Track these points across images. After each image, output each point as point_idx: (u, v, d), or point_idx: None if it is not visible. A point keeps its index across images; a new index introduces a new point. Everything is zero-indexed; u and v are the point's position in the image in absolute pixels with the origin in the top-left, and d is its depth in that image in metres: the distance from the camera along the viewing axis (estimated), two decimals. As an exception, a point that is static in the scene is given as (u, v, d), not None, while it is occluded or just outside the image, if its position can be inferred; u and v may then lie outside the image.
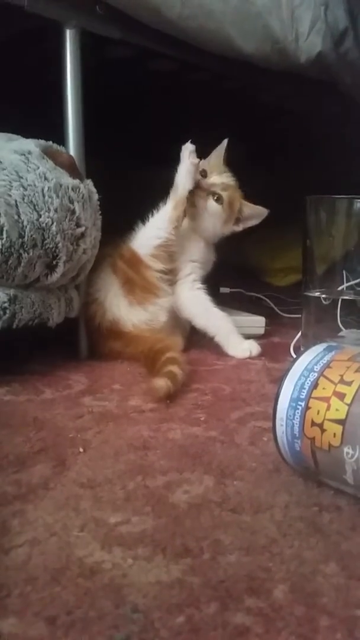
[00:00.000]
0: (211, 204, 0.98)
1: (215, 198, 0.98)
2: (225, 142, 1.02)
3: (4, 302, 0.73)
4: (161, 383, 0.71)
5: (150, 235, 0.96)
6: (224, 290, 1.32)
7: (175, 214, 0.94)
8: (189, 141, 0.95)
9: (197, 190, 0.96)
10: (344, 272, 0.89)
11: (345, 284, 0.88)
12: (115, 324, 0.92)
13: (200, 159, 0.97)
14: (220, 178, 0.99)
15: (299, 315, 0.94)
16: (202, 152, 0.99)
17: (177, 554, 0.38)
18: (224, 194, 0.98)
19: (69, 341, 0.93)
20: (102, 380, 0.80)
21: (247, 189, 1.04)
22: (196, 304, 0.98)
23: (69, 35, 0.86)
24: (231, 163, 1.04)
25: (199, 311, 0.97)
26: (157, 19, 0.91)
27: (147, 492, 0.47)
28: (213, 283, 1.07)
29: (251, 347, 0.94)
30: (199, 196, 0.97)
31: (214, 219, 0.99)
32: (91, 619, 0.32)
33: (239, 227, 1.02)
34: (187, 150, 0.94)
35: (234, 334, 0.96)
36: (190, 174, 0.94)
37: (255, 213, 1.01)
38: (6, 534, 0.40)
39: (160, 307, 0.95)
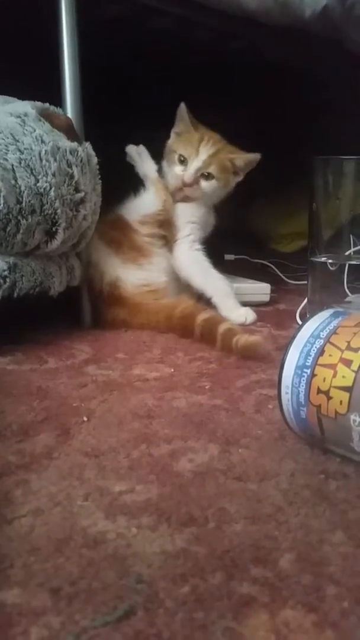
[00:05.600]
0: (204, 185, 0.98)
1: (206, 176, 0.97)
2: (182, 107, 1.00)
3: (4, 271, 0.72)
4: (254, 338, 0.74)
5: (139, 205, 0.97)
6: (229, 257, 1.30)
7: (160, 195, 0.96)
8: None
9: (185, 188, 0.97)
10: (351, 236, 0.87)
11: (353, 249, 0.87)
12: (115, 288, 0.91)
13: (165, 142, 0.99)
14: (199, 157, 0.97)
15: (305, 282, 0.93)
16: (202, 115, 0.97)
17: (182, 523, 0.38)
18: (212, 168, 0.97)
19: (72, 310, 0.92)
20: (106, 349, 0.79)
21: (252, 152, 1.01)
22: (194, 263, 0.97)
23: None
24: (234, 127, 1.02)
25: (196, 270, 0.97)
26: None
27: (151, 461, 0.46)
28: (218, 250, 1.05)
29: (247, 314, 0.93)
30: (190, 188, 0.97)
31: (213, 192, 0.99)
32: (95, 590, 0.31)
33: (240, 177, 1.02)
34: (131, 149, 0.99)
35: (231, 298, 0.95)
36: (143, 156, 0.99)
37: (248, 161, 1.01)
38: (9, 504, 0.40)
39: (156, 266, 0.94)
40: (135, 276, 0.92)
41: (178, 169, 0.98)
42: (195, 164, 0.96)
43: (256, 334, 0.87)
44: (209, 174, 0.97)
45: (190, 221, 0.99)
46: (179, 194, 0.99)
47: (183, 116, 0.99)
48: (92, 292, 0.91)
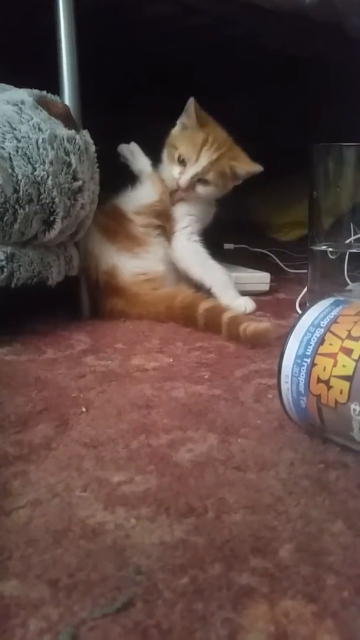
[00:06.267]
0: (200, 189, 0.96)
1: (203, 181, 0.96)
2: (190, 101, 0.96)
3: (2, 261, 0.71)
4: (264, 325, 0.74)
5: (136, 197, 0.96)
6: (228, 246, 1.29)
7: (157, 187, 0.95)
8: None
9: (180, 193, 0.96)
10: (352, 224, 0.87)
11: (353, 237, 0.86)
12: (112, 277, 0.90)
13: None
14: (199, 163, 0.94)
15: (305, 271, 0.92)
16: (201, 103, 0.96)
17: (181, 514, 0.38)
18: (210, 175, 0.95)
19: (70, 300, 0.92)
20: (104, 340, 0.78)
21: (251, 141, 0.99)
22: (192, 254, 0.97)
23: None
24: (232, 116, 1.00)
25: (195, 262, 0.96)
26: None
27: (150, 451, 0.46)
28: (217, 239, 1.04)
29: (246, 304, 0.92)
30: (185, 193, 0.96)
31: (208, 195, 0.98)
32: (93, 581, 0.31)
33: (238, 182, 1.00)
34: (123, 148, 0.99)
35: (231, 288, 0.94)
36: (136, 153, 0.99)
37: (249, 172, 0.98)
38: (7, 496, 0.40)
39: (153, 255, 0.94)
40: (132, 265, 0.91)
41: (176, 170, 0.96)
42: (193, 169, 0.94)
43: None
44: (206, 179, 0.95)
45: (188, 214, 0.99)
46: (175, 194, 0.97)
47: (190, 112, 0.96)
48: (89, 281, 0.91)
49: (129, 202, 0.96)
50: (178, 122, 0.98)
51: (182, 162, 0.95)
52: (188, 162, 0.95)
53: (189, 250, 0.97)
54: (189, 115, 0.96)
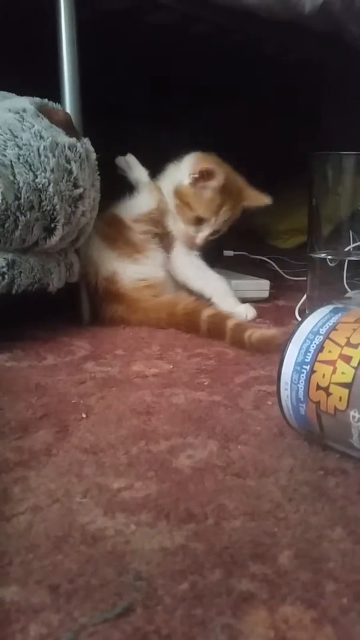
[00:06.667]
0: (211, 237, 0.98)
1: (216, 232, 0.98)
2: (219, 174, 0.93)
3: (2, 267, 0.72)
4: (271, 331, 0.75)
5: (134, 205, 0.97)
6: (228, 253, 1.30)
7: (154, 195, 0.97)
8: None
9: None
10: (351, 232, 0.87)
11: (352, 245, 0.86)
12: (112, 283, 0.91)
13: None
14: (217, 222, 0.96)
15: (304, 278, 0.93)
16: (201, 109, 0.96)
17: (181, 520, 0.38)
18: (223, 225, 0.97)
19: (70, 307, 0.92)
20: (104, 346, 0.79)
21: (251, 149, 1.00)
22: (190, 267, 0.98)
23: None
24: (234, 121, 1.01)
25: (194, 273, 0.97)
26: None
27: (150, 457, 0.46)
28: (217, 246, 1.05)
29: (247, 311, 0.92)
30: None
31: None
32: (94, 587, 0.31)
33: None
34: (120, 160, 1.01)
35: (231, 296, 0.95)
36: (133, 164, 1.00)
37: (258, 206, 0.99)
38: (8, 501, 0.40)
39: (152, 261, 0.94)
40: (131, 270, 0.92)
41: (191, 229, 0.97)
42: (210, 228, 0.96)
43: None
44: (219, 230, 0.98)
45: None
46: (190, 244, 0.99)
47: (221, 182, 0.93)
48: (89, 288, 0.91)
49: (128, 210, 0.97)
50: (189, 177, 0.95)
51: (197, 222, 0.96)
52: (206, 222, 0.96)
53: (187, 265, 0.98)
54: (217, 185, 0.93)
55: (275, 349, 0.73)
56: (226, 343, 0.78)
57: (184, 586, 0.31)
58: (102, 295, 0.91)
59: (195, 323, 0.83)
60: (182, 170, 0.98)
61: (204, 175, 0.93)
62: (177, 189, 0.97)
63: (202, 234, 0.96)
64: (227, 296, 0.94)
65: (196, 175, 0.93)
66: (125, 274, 0.91)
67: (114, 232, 0.95)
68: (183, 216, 0.96)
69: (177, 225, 0.98)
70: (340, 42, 1.09)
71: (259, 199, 0.98)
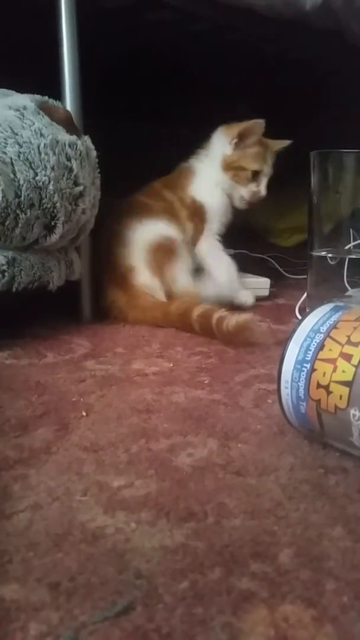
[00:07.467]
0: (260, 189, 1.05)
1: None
2: (261, 124, 1.01)
3: (2, 265, 0.71)
4: (244, 316, 0.76)
5: None
6: (228, 251, 1.29)
7: None
8: None
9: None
10: (351, 230, 0.87)
11: (353, 243, 0.86)
12: (130, 272, 0.93)
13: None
14: (268, 171, 1.04)
15: (305, 276, 0.92)
16: (202, 111, 0.96)
17: (181, 518, 0.38)
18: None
19: (71, 304, 0.92)
20: (104, 344, 0.79)
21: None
22: (210, 247, 1.04)
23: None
24: (234, 119, 1.01)
25: (212, 253, 1.03)
26: None
27: (150, 456, 0.46)
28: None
29: (247, 298, 1.00)
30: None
31: None
32: (94, 585, 0.31)
33: None
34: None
35: (235, 281, 1.01)
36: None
37: (283, 146, 1.07)
38: (8, 499, 0.40)
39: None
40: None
41: (252, 186, 1.04)
42: (267, 176, 1.04)
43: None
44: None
45: (219, 219, 1.05)
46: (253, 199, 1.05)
47: (259, 132, 1.01)
48: (107, 265, 0.93)
49: None
50: (231, 145, 1.02)
51: (254, 176, 1.04)
52: (261, 173, 1.04)
53: (210, 247, 1.04)
54: (257, 134, 1.02)
55: (253, 335, 0.74)
56: (217, 339, 0.79)
57: (184, 584, 0.31)
58: (115, 278, 0.92)
59: (188, 323, 0.83)
60: (218, 146, 1.05)
61: (242, 136, 1.01)
62: (225, 162, 1.03)
63: (263, 184, 1.04)
64: (232, 280, 1.00)
65: (236, 140, 1.01)
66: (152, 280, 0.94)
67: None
68: (241, 180, 1.03)
69: (237, 192, 1.04)
70: (341, 39, 1.09)
71: (283, 141, 1.06)
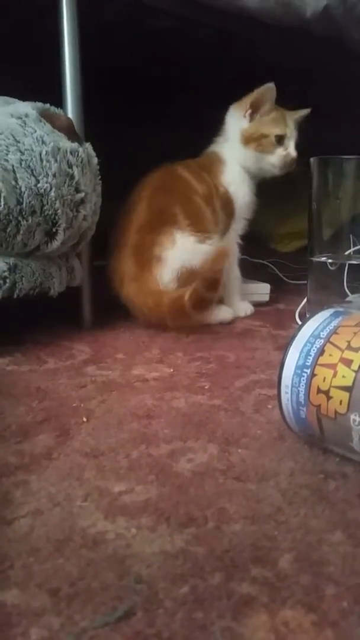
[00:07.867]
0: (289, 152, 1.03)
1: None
2: (272, 87, 1.00)
3: (4, 272, 0.72)
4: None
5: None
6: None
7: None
8: None
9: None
10: (351, 236, 0.87)
11: (353, 249, 0.86)
12: (158, 261, 0.89)
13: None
14: (292, 132, 1.02)
15: (305, 282, 0.93)
16: (204, 118, 0.97)
17: (181, 524, 0.38)
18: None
19: (71, 311, 0.92)
20: (105, 350, 0.79)
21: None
22: (230, 255, 1.02)
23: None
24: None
25: (228, 264, 1.00)
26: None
27: (150, 461, 0.46)
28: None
29: (246, 309, 1.01)
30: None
31: None
32: (94, 590, 0.31)
33: None
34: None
35: (237, 293, 1.02)
36: None
37: (305, 116, 1.06)
38: (9, 505, 0.40)
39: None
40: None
41: (279, 151, 1.01)
42: (293, 138, 1.02)
43: (255, 334, 0.88)
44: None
45: (245, 216, 1.05)
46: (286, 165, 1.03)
47: (272, 97, 1.00)
48: (129, 234, 0.91)
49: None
50: (247, 117, 1.01)
51: (279, 141, 1.01)
52: (285, 136, 1.01)
53: (232, 251, 1.03)
54: (271, 100, 1.00)
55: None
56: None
57: (185, 589, 0.31)
58: (135, 253, 0.90)
59: (181, 310, 0.83)
60: (234, 124, 1.03)
61: (255, 106, 1.00)
62: (244, 136, 1.01)
63: (292, 146, 1.02)
64: (234, 292, 1.01)
65: (250, 111, 1.00)
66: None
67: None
68: (266, 147, 1.01)
69: (267, 162, 1.02)
70: (341, 47, 1.09)
71: (300, 111, 1.05)
